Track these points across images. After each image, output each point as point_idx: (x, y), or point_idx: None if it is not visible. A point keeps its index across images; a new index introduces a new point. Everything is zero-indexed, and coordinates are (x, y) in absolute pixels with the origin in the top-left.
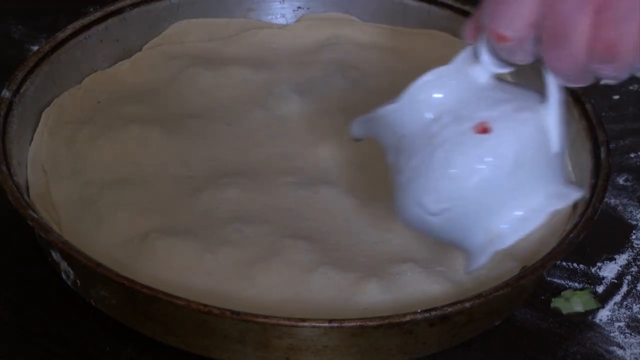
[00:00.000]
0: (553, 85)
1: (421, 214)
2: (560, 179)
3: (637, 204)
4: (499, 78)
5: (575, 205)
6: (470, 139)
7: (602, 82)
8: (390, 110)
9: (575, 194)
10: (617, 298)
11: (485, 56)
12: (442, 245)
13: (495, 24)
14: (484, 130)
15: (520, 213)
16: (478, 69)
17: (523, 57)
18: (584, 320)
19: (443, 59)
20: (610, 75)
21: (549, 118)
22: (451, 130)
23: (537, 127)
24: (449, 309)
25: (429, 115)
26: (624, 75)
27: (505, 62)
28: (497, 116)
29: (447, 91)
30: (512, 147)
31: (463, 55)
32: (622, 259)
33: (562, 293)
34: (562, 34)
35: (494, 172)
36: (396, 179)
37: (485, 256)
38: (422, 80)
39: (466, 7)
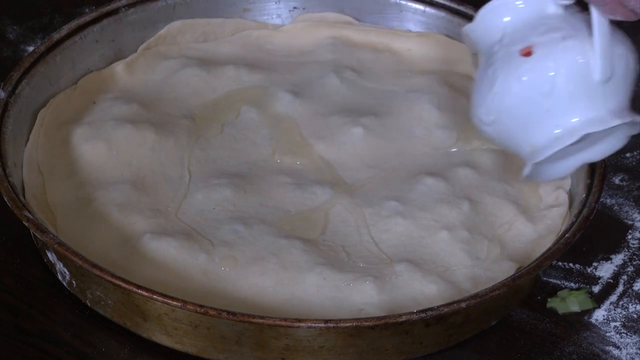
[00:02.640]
0: (597, 17)
1: (480, 124)
2: (603, 106)
3: (633, 203)
4: (569, 9)
5: (571, 205)
6: (514, 59)
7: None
8: (468, 30)
9: (614, 121)
10: (613, 298)
11: None
12: (438, 246)
13: None
14: (527, 53)
15: (557, 131)
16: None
17: None
18: (580, 320)
19: (438, 60)
20: None
21: (593, 47)
22: (504, 51)
23: (580, 55)
24: (445, 309)
25: (496, 36)
26: None
27: None
28: (543, 42)
29: (514, 16)
30: (549, 70)
31: None
32: (618, 258)
33: (558, 293)
34: None
35: (529, 91)
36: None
37: (529, 168)
38: (493, 4)
39: (461, 8)
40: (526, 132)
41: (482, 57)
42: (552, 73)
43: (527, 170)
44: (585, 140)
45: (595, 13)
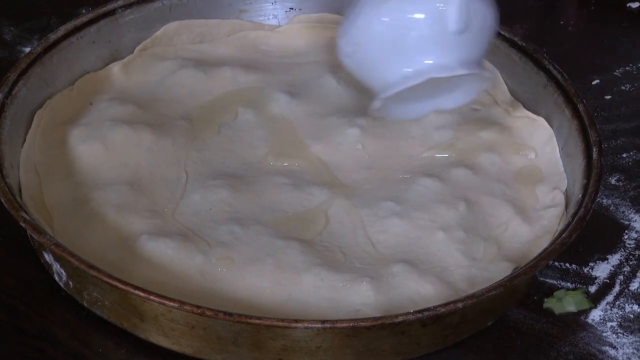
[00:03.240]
0: None
1: (340, 53)
2: (454, 55)
3: (629, 204)
4: None
5: (567, 206)
6: None
7: None
8: None
9: (460, 70)
10: (610, 298)
11: None
12: (434, 246)
13: None
14: None
15: (407, 70)
16: None
17: None
18: (577, 320)
19: None
20: None
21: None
22: None
23: (439, 3)
24: (442, 310)
25: None
26: None
27: None
28: None
29: None
30: (408, 12)
31: None
32: (615, 258)
33: (554, 293)
34: None
35: (387, 30)
36: None
37: (378, 101)
38: None
39: None
40: (381, 67)
41: None
42: (411, 15)
43: (376, 104)
44: (436, 87)
45: None
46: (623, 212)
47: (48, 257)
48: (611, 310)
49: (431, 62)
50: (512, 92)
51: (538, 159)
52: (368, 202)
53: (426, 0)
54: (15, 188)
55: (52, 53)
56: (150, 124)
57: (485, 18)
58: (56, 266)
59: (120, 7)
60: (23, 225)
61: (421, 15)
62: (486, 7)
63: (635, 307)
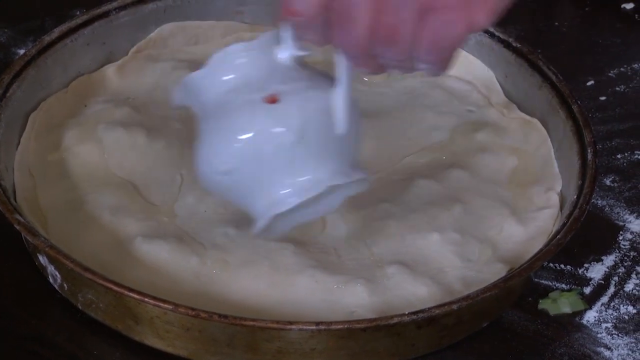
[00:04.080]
0: (342, 68)
1: (213, 174)
2: (346, 159)
3: (624, 205)
4: (302, 62)
5: (562, 207)
6: (259, 107)
7: (390, 71)
8: (196, 77)
9: (357, 175)
10: (604, 299)
11: (287, 37)
12: (430, 248)
13: (288, 1)
14: (272, 100)
15: (301, 181)
16: (281, 49)
17: (314, 37)
18: (572, 322)
19: None
20: (395, 60)
21: (336, 100)
22: (243, 98)
23: (323, 106)
24: (437, 311)
25: (228, 85)
26: (408, 65)
27: (303, 44)
28: (287, 90)
29: (249, 65)
30: (296, 120)
31: (269, 35)
32: (609, 260)
33: (549, 294)
34: (347, 15)
35: (276, 140)
36: (196, 144)
37: (265, 220)
38: (227, 51)
39: None
40: (266, 183)
41: (208, 107)
42: (300, 122)
43: (262, 223)
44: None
45: (342, 64)
46: (618, 213)
47: (43, 260)
48: (606, 311)
49: (328, 168)
50: (507, 94)
51: (533, 160)
52: (363, 203)
53: (312, 102)
54: (10, 190)
55: (47, 55)
56: (145, 125)
57: (360, 117)
58: (51, 268)
59: (115, 9)
60: (17, 227)
61: (312, 120)
62: (358, 106)
63: (630, 308)
